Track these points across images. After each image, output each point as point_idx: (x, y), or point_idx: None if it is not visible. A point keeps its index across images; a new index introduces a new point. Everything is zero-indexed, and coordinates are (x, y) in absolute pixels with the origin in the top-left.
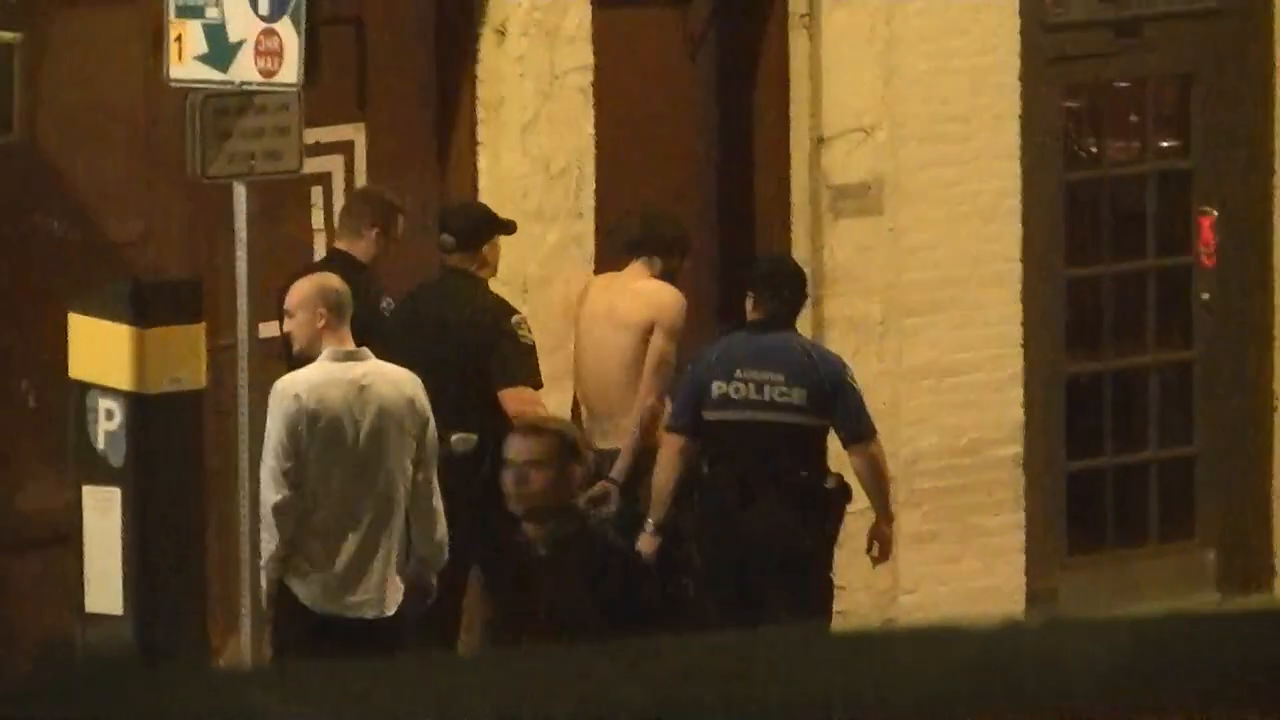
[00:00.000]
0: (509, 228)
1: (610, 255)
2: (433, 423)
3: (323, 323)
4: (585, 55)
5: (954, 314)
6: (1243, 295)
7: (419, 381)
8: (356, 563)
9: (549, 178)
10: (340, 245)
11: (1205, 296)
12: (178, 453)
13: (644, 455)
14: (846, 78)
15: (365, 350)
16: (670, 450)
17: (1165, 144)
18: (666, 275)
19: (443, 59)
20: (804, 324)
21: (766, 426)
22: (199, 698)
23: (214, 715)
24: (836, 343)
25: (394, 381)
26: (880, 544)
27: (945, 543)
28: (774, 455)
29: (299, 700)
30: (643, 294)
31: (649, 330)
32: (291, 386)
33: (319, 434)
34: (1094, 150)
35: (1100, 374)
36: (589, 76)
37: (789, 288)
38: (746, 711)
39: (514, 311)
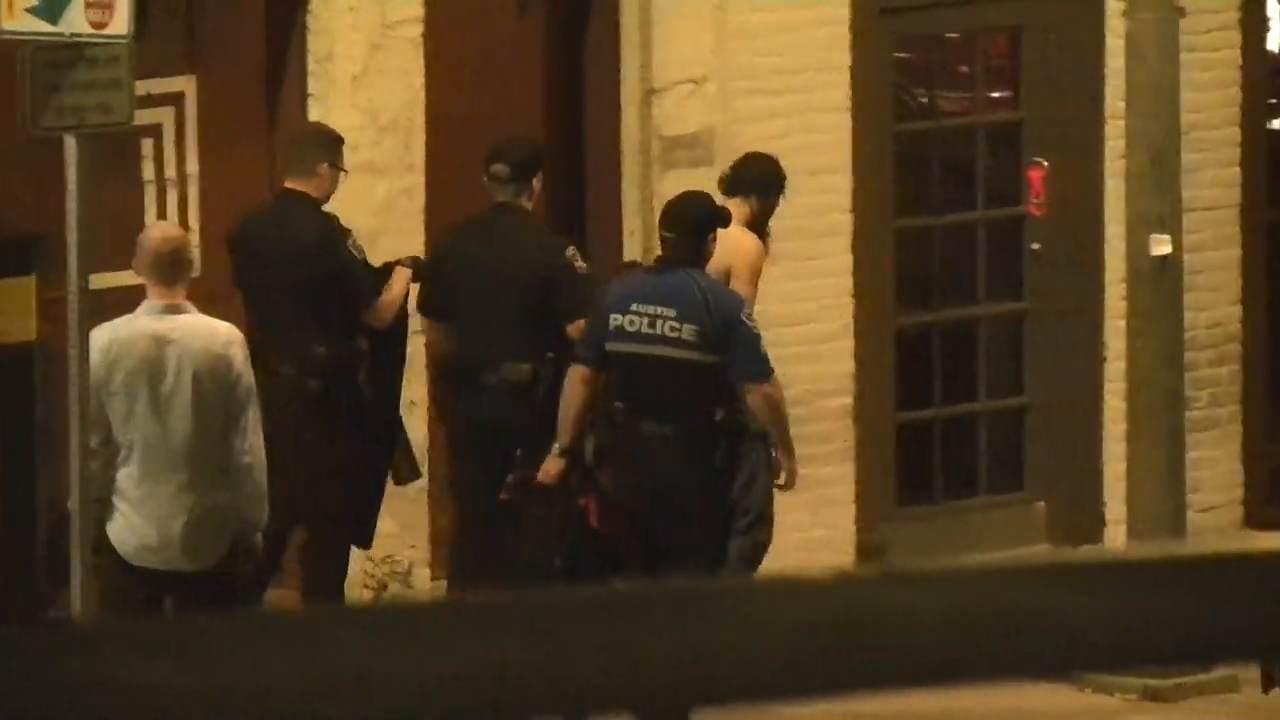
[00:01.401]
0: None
1: (448, 206)
2: (247, 380)
3: (145, 278)
4: (415, 7)
5: (785, 265)
6: (1073, 246)
7: (237, 339)
8: (166, 516)
9: (379, 130)
10: (292, 185)
11: (1035, 247)
12: (7, 404)
13: None
14: (677, 30)
15: (186, 305)
16: (574, 379)
17: (996, 95)
18: (762, 214)
19: (273, 10)
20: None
21: (658, 360)
22: (57, 659)
23: (74, 676)
24: None
25: (205, 337)
26: (785, 476)
27: (776, 493)
28: (665, 388)
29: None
30: (727, 239)
31: (727, 273)
32: (98, 337)
33: (119, 385)
34: (924, 102)
35: (930, 325)
36: (419, 28)
37: (694, 227)
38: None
39: (568, 243)
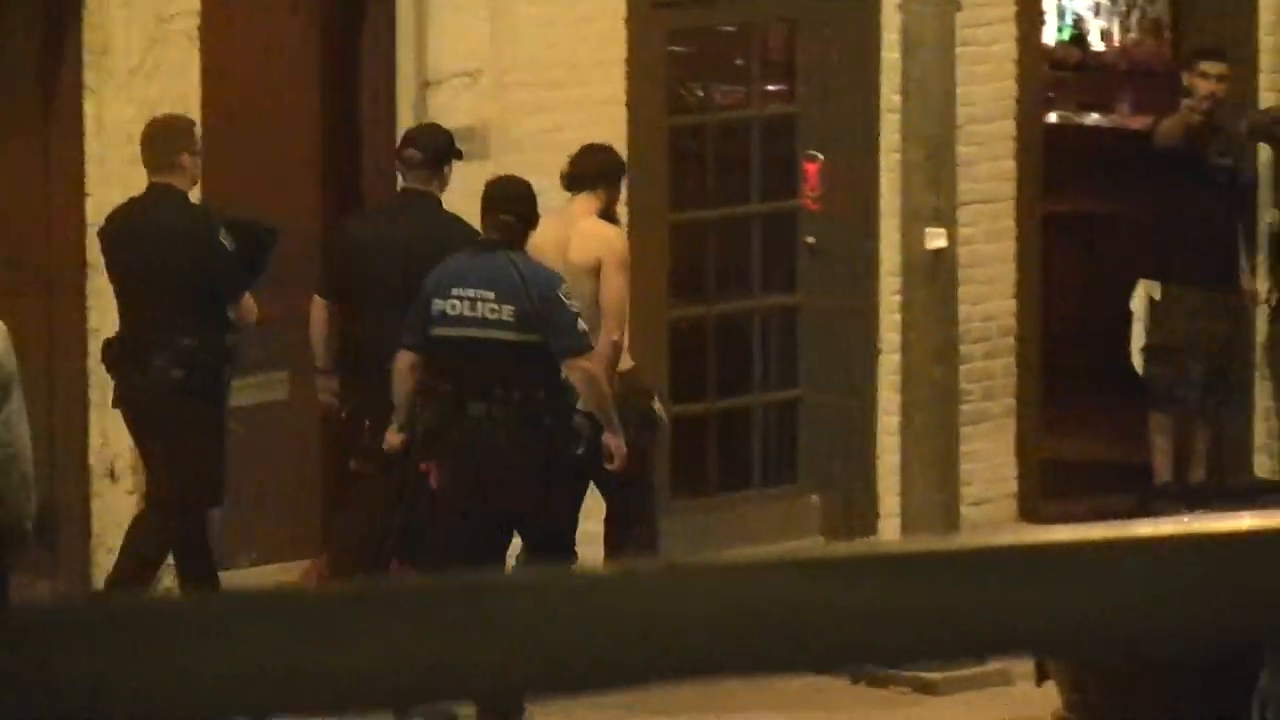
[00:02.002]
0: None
1: (224, 199)
2: (9, 369)
3: None
4: (191, 1)
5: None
6: (848, 240)
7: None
8: None
9: None
10: (157, 179)
11: (810, 241)
12: None
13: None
14: (453, 22)
15: None
16: (402, 365)
17: (771, 88)
18: (610, 205)
19: (49, 3)
20: None
21: (480, 342)
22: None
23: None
24: None
25: None
26: (610, 454)
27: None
28: (487, 370)
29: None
30: (589, 233)
31: (598, 268)
32: None
33: None
34: (700, 95)
35: (704, 319)
36: (195, 22)
37: (512, 208)
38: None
39: (475, 230)
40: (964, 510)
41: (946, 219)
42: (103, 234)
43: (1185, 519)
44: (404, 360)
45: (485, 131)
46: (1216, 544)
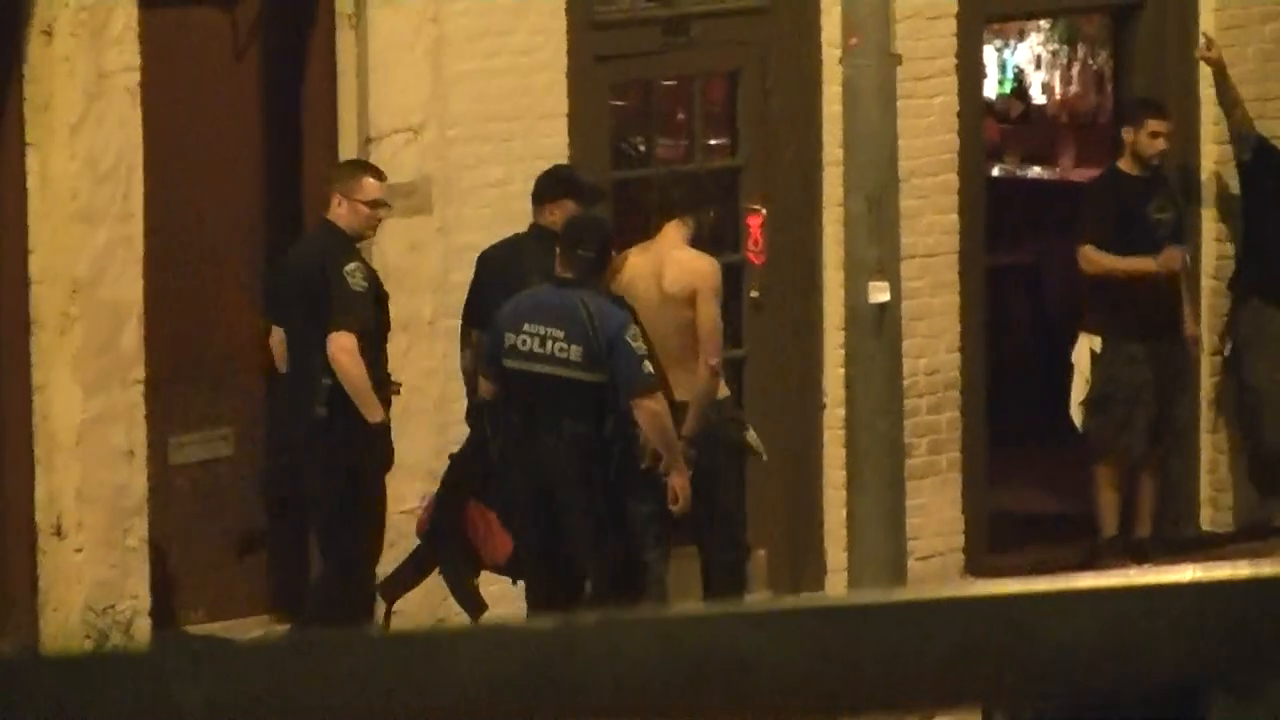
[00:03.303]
0: (589, 195)
1: (166, 255)
2: None
3: None
4: (132, 56)
5: None
6: (792, 293)
7: None
8: None
9: (97, 178)
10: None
11: (754, 294)
12: None
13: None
14: (394, 77)
15: None
16: (484, 390)
17: (713, 142)
18: (700, 231)
19: None
20: None
21: (547, 378)
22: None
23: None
24: (389, 343)
25: None
26: (673, 493)
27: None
28: (552, 405)
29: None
30: (683, 264)
31: (693, 296)
32: None
33: None
34: (642, 149)
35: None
36: (136, 77)
37: (586, 248)
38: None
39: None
40: (911, 564)
41: (890, 272)
42: (270, 268)
43: (1131, 572)
44: (484, 388)
45: (427, 186)
46: (1161, 596)
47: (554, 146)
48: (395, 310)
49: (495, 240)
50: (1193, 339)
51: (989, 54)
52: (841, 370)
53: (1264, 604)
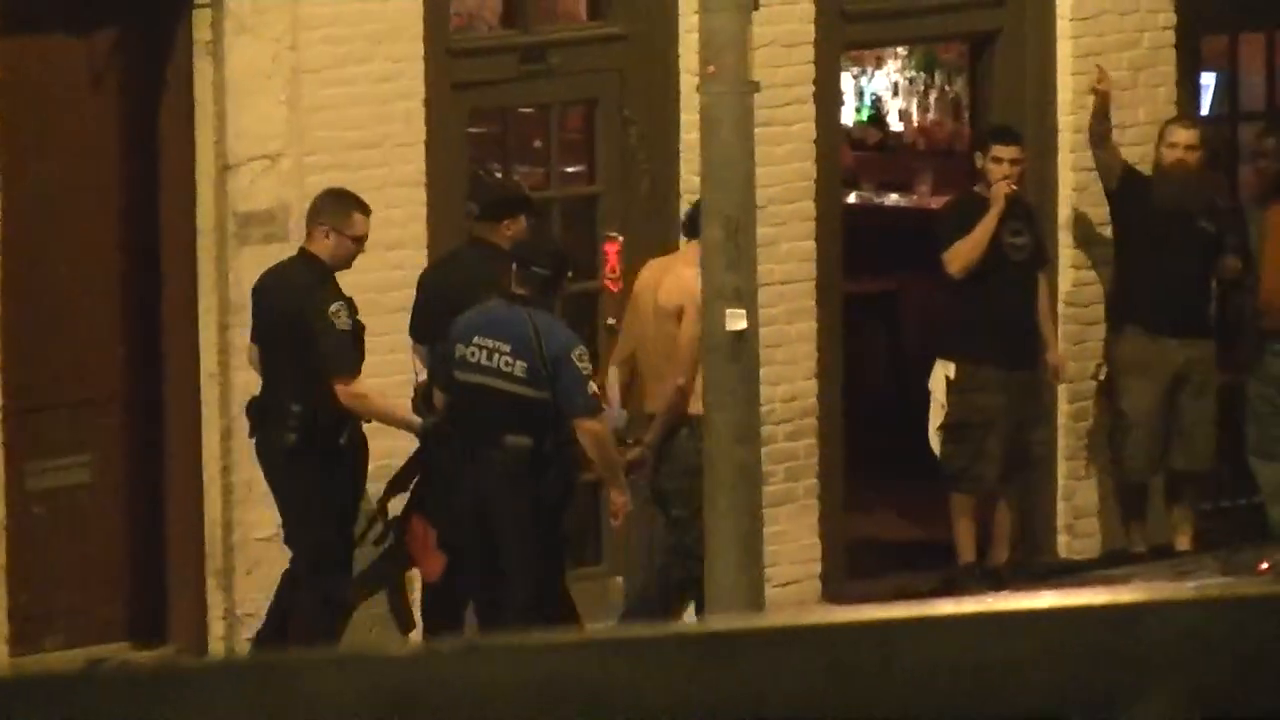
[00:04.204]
0: (531, 208)
1: (24, 282)
2: None
3: None
4: None
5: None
6: None
7: None
8: None
9: None
10: (304, 245)
11: (611, 322)
12: None
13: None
14: (251, 105)
15: None
16: (437, 402)
17: (571, 169)
18: None
19: None
20: (209, 352)
21: (491, 391)
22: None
23: None
24: (244, 370)
25: None
26: (612, 508)
27: None
28: (495, 419)
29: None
30: (681, 280)
31: (680, 313)
32: None
33: None
34: (500, 176)
35: None
36: None
37: (540, 265)
38: None
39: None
40: (769, 591)
41: (748, 299)
42: (253, 291)
43: (988, 599)
44: (436, 398)
45: (285, 214)
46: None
47: (411, 174)
48: (249, 339)
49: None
50: (1053, 367)
51: (847, 82)
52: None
53: (1119, 630)
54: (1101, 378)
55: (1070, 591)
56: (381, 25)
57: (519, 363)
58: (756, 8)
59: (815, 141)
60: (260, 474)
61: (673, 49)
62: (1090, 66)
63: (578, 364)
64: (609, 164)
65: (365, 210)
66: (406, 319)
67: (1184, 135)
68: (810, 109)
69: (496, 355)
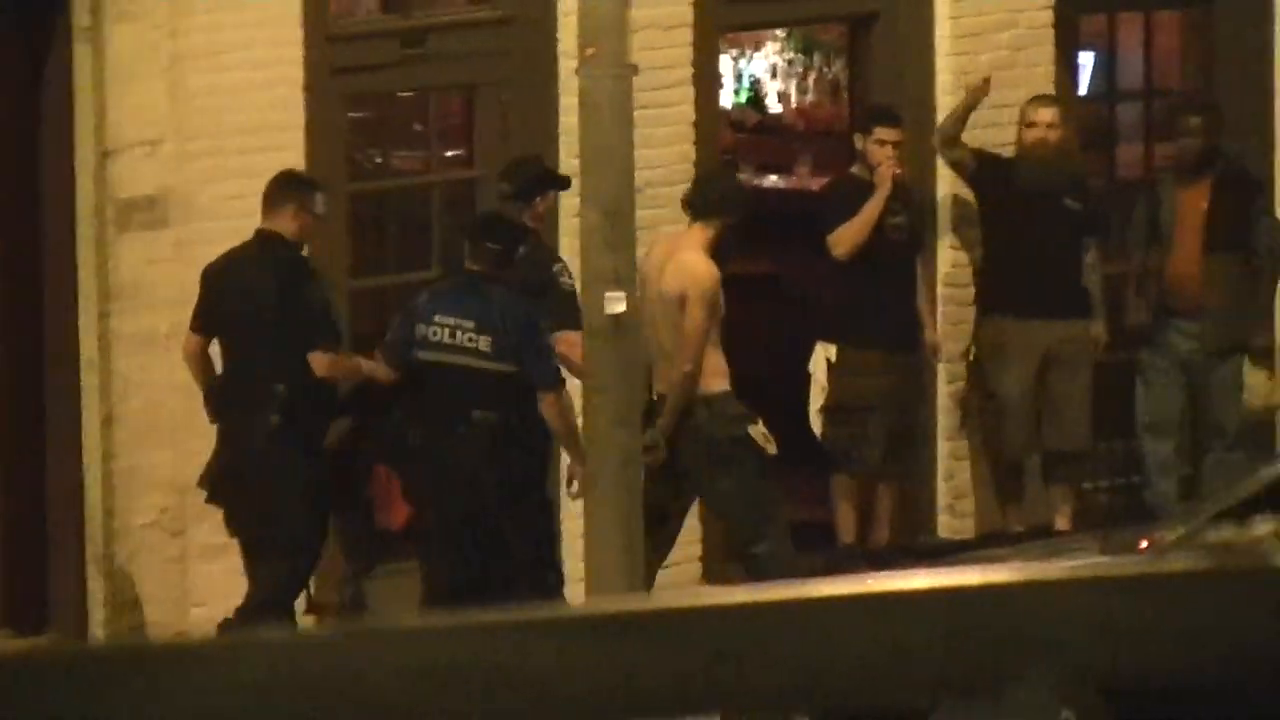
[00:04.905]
0: (564, 183)
1: None
2: None
3: None
4: None
5: None
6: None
7: None
8: None
9: None
10: (263, 226)
11: None
12: None
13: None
14: (131, 91)
15: None
16: (381, 375)
17: (451, 154)
18: (722, 236)
19: None
20: (89, 338)
21: (458, 369)
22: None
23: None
24: (125, 358)
25: None
26: (576, 482)
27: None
28: (463, 396)
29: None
30: (682, 265)
31: (683, 299)
32: None
33: None
34: (379, 161)
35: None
36: None
37: (494, 240)
38: None
39: (557, 259)
40: None
41: (627, 282)
42: (204, 276)
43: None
44: (381, 370)
45: (166, 200)
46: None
47: (292, 160)
48: (130, 326)
49: (223, 252)
50: (931, 348)
51: (725, 64)
52: (577, 381)
53: (998, 611)
54: (971, 359)
55: (949, 572)
56: (261, 11)
57: (483, 338)
58: None
59: (694, 124)
60: (144, 460)
61: (551, 32)
62: (969, 47)
63: (539, 336)
64: (488, 148)
65: (321, 187)
66: None
67: (1044, 114)
68: (689, 91)
69: (459, 332)
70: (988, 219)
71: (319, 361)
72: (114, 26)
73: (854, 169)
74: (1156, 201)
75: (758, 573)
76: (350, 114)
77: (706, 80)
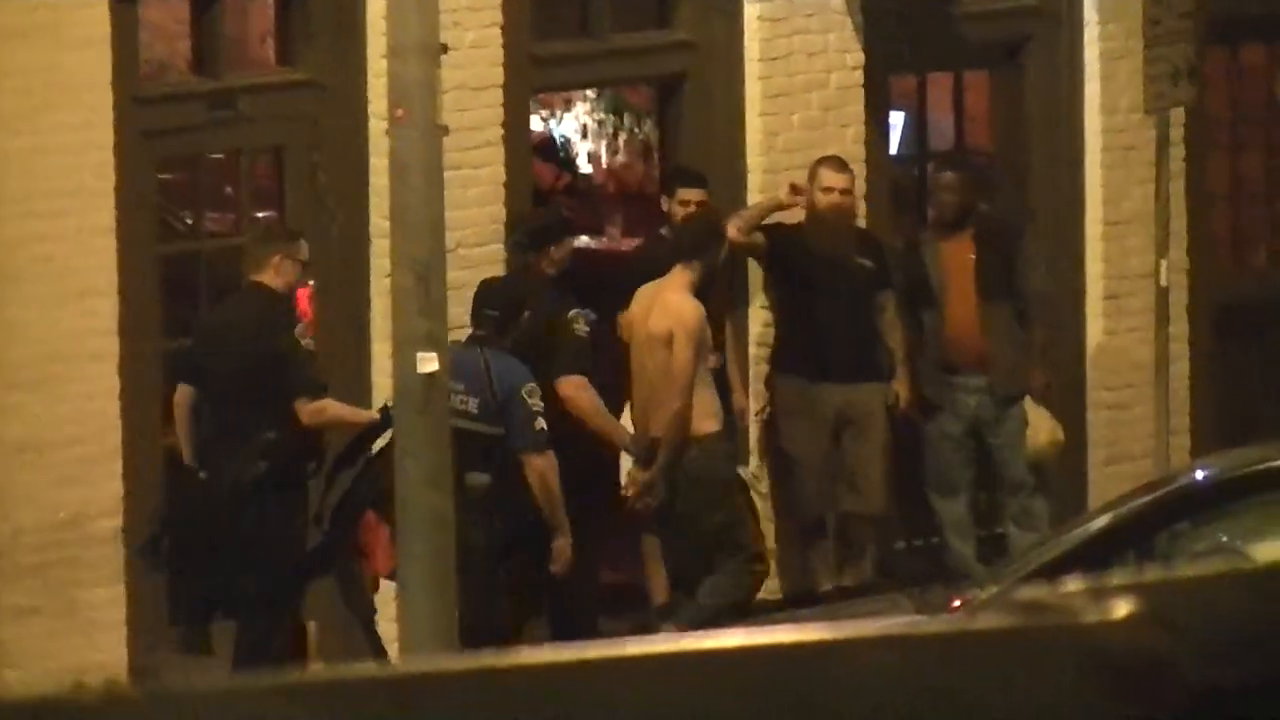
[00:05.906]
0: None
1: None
2: None
3: None
4: None
5: (54, 389)
6: (340, 366)
7: None
8: None
9: None
10: (251, 277)
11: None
12: None
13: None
14: None
15: None
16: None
17: (262, 214)
18: (708, 276)
19: None
20: None
21: (452, 430)
22: None
23: None
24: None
25: None
26: (554, 553)
27: (48, 617)
28: (454, 457)
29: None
30: (667, 306)
31: (670, 338)
32: None
33: None
34: (190, 223)
35: None
36: None
37: (492, 307)
38: None
39: (573, 306)
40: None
41: (439, 343)
42: (197, 332)
43: (683, 639)
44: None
45: None
46: (707, 662)
47: (103, 222)
48: None
49: (41, 313)
50: (738, 411)
51: (535, 124)
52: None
53: (809, 669)
54: (764, 417)
55: (759, 631)
56: (72, 74)
57: (473, 399)
58: (445, 52)
59: (505, 185)
60: (21, 477)
61: (361, 94)
62: (779, 107)
63: (527, 400)
64: (299, 210)
65: (301, 235)
66: (101, 368)
67: (836, 179)
68: (499, 152)
69: (455, 395)
70: (778, 284)
71: (304, 412)
72: None
73: (663, 230)
74: (920, 262)
75: (708, 595)
76: (160, 175)
77: (516, 141)
